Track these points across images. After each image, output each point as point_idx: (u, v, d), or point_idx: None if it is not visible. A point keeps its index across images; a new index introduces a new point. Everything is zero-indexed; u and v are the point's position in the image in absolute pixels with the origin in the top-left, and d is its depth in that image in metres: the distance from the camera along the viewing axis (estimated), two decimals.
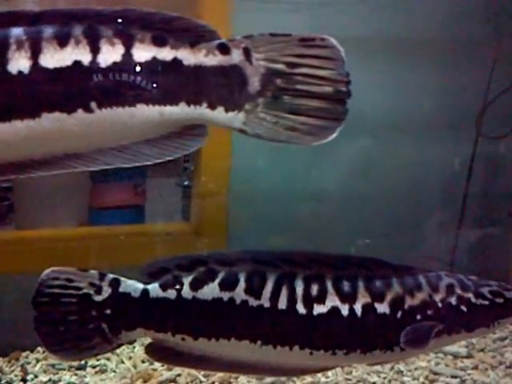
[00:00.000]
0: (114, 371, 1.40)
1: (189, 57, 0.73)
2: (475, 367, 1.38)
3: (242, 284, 0.97)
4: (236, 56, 0.73)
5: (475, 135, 1.60)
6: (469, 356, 1.43)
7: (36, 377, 1.39)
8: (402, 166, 1.57)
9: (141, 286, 0.99)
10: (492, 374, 1.34)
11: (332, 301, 0.96)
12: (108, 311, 0.98)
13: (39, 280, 0.96)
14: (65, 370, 1.41)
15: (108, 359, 1.45)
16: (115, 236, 1.52)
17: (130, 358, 1.45)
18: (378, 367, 1.39)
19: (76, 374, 1.39)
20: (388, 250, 1.67)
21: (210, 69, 0.73)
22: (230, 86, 0.73)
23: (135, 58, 0.71)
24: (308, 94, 0.75)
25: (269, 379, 1.35)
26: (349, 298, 0.98)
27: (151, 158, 0.75)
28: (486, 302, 1.05)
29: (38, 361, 1.44)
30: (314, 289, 0.97)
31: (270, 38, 0.75)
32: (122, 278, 1.00)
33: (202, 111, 0.73)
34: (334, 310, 0.96)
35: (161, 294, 0.98)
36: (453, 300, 1.03)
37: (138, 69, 0.71)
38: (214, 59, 0.73)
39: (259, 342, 0.97)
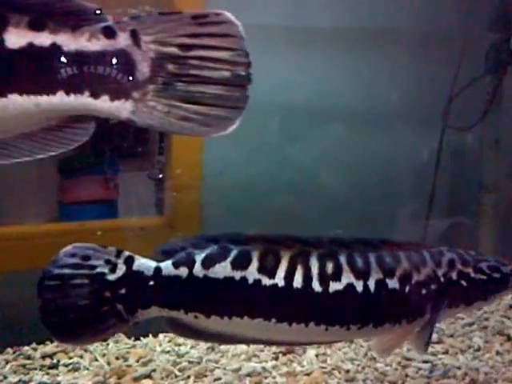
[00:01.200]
0: (88, 369, 1.36)
1: (69, 42, 0.66)
2: (445, 352, 1.40)
3: (254, 263, 0.96)
4: (122, 40, 0.66)
5: (442, 127, 1.62)
6: (439, 341, 1.45)
7: (5, 378, 1.33)
8: (371, 157, 1.58)
9: (154, 263, 0.97)
10: (461, 358, 1.37)
11: (347, 278, 0.98)
12: (123, 291, 0.95)
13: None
14: (36, 369, 1.36)
15: (81, 357, 1.40)
16: (88, 232, 1.48)
17: (104, 355, 1.41)
18: (352, 355, 1.40)
19: (48, 374, 1.34)
20: None
21: (93, 54, 0.66)
22: (116, 72, 0.66)
23: (8, 44, 0.64)
24: (203, 79, 0.67)
25: (245, 370, 1.34)
26: (363, 274, 0.99)
27: (32, 153, 0.68)
28: (485, 277, 1.10)
29: (7, 362, 1.38)
30: (329, 266, 0.98)
31: (160, 18, 0.67)
32: (136, 256, 0.98)
33: (85, 101, 0.66)
34: (350, 287, 0.98)
35: (173, 271, 0.96)
36: (454, 275, 1.07)
37: (10, 56, 0.63)
38: (98, 44, 0.66)
39: (274, 320, 0.97)
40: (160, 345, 1.44)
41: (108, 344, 1.46)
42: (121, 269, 0.95)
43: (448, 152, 1.66)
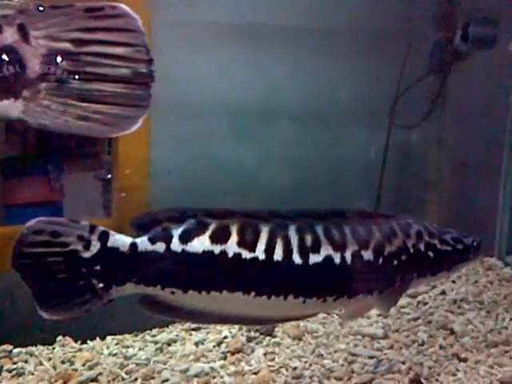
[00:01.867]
0: (32, 373, 1.32)
1: None
2: (391, 347, 1.41)
3: (234, 237, 0.95)
4: (9, 35, 0.61)
5: (388, 125, 1.63)
6: (385, 337, 1.46)
7: None
8: (319, 155, 1.58)
9: (129, 239, 0.95)
10: (406, 353, 1.38)
11: (326, 250, 0.98)
12: (98, 267, 0.93)
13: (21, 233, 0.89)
14: None
15: (26, 361, 1.36)
16: None
17: (50, 359, 1.37)
18: (300, 352, 1.40)
19: None
20: None
21: None
22: (3, 70, 0.61)
23: None
24: (100, 77, 0.63)
25: (193, 371, 1.32)
26: (340, 246, 1.00)
27: None
28: (449, 248, 1.14)
29: None
30: (308, 239, 0.98)
31: (51, 12, 0.62)
32: (111, 232, 0.95)
33: None
34: (328, 259, 0.98)
35: (150, 247, 0.94)
36: (422, 246, 1.10)
37: None
38: None
39: (253, 294, 0.96)
40: (107, 347, 1.41)
41: (54, 348, 1.42)
42: (95, 246, 0.93)
43: (394, 150, 1.69)
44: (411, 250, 1.08)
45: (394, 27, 1.61)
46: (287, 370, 1.32)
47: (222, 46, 1.53)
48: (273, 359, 1.36)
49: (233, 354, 1.36)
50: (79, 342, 1.43)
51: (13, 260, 0.91)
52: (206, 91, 1.47)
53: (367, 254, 1.02)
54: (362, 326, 1.55)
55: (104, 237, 0.94)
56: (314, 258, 0.97)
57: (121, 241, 0.94)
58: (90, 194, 1.59)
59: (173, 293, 0.96)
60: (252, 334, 1.48)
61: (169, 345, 1.41)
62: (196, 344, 1.41)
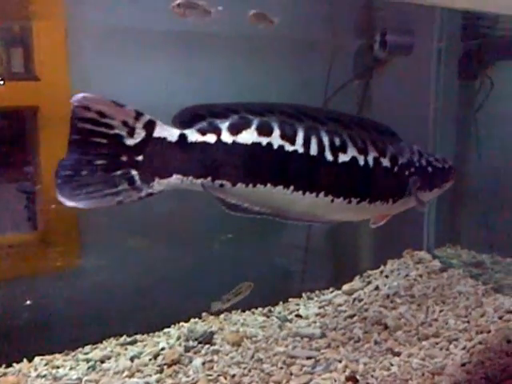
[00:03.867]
0: None
1: None
2: (328, 346, 1.39)
3: (276, 130, 0.97)
4: None
5: None
6: (322, 336, 1.44)
7: None
8: None
9: (177, 130, 0.91)
10: (342, 351, 1.36)
11: (352, 151, 1.04)
12: (140, 157, 0.87)
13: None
14: None
15: None
16: None
17: None
18: (239, 358, 1.35)
19: None
20: (249, 241, 1.66)
21: None
22: None
23: None
24: None
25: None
26: (363, 150, 1.06)
27: None
28: (440, 165, 1.25)
29: None
30: (337, 140, 1.03)
31: None
32: (158, 121, 0.89)
33: None
34: (354, 160, 1.04)
35: (200, 138, 0.91)
36: (423, 162, 1.20)
37: None
38: None
39: (291, 188, 0.98)
40: (35, 369, 1.29)
41: None
42: (139, 134, 0.87)
43: None
44: (417, 164, 1.17)
45: (319, 35, 1.62)
46: (226, 378, 1.27)
47: (150, 53, 1.47)
48: (211, 368, 1.31)
49: (170, 366, 1.29)
50: (3, 366, 1.30)
51: (70, 133, 0.85)
52: (134, 97, 1.40)
53: (385, 161, 1.10)
54: (301, 327, 1.53)
55: (150, 126, 0.88)
56: (343, 158, 1.03)
57: (168, 131, 0.90)
58: (13, 206, 1.47)
59: (222, 185, 0.94)
60: (190, 343, 1.41)
61: (102, 362, 1.31)
62: (131, 359, 1.32)
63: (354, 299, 1.69)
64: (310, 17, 1.43)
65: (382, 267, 1.88)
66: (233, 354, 1.36)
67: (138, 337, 1.45)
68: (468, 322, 1.51)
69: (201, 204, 1.63)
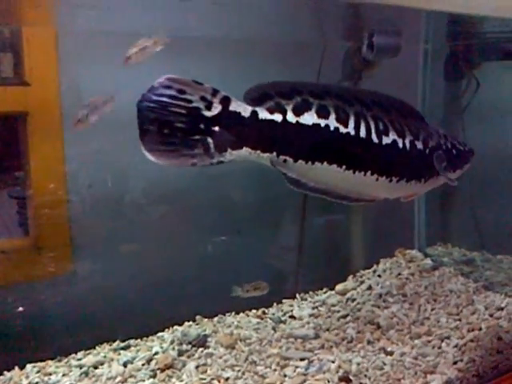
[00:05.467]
0: None
1: None
2: (321, 347, 1.37)
3: (332, 114, 1.06)
4: None
5: None
6: (316, 337, 1.42)
7: None
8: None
9: (249, 107, 0.99)
10: (336, 351, 1.34)
11: (393, 135, 1.14)
12: (216, 128, 0.95)
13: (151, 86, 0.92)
14: None
15: None
16: None
17: None
18: (233, 361, 1.32)
19: None
20: (242, 244, 1.64)
21: None
22: None
23: None
24: None
25: None
26: (401, 133, 1.16)
27: None
28: (462, 148, 1.35)
29: None
30: (380, 124, 1.13)
31: None
32: (233, 98, 0.97)
33: None
34: (394, 142, 1.14)
35: (268, 116, 1.00)
36: (449, 145, 1.30)
37: None
38: None
39: (344, 167, 1.08)
40: (27, 377, 1.26)
41: None
42: (216, 108, 0.95)
43: None
44: (444, 147, 1.27)
45: (309, 37, 1.60)
46: (219, 382, 1.24)
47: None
48: (205, 371, 1.28)
49: (163, 370, 1.26)
50: None
51: (139, 101, 0.93)
52: (124, 102, 1.37)
53: (419, 144, 1.19)
54: (295, 328, 1.51)
55: (225, 101, 0.96)
56: (386, 140, 1.12)
57: (242, 106, 0.98)
58: (4, 212, 1.44)
59: (285, 161, 1.03)
60: (184, 346, 1.39)
61: (95, 368, 1.28)
62: (124, 364, 1.29)
63: (348, 299, 1.67)
64: (301, 19, 1.41)
65: (374, 266, 1.87)
66: (226, 357, 1.33)
67: (132, 341, 1.42)
68: (459, 319, 1.50)
69: (193, 206, 1.62)
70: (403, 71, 1.73)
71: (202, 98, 0.94)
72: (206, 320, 1.55)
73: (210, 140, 0.95)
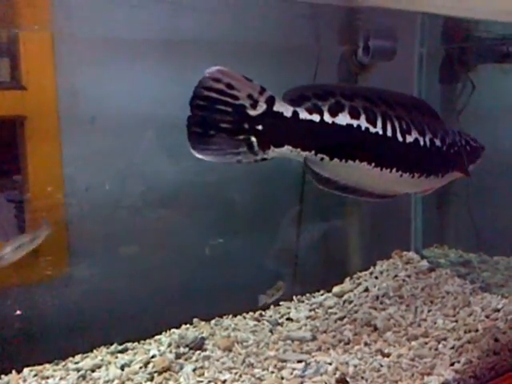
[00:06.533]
0: None
1: None
2: (318, 349, 1.37)
3: (363, 115, 1.11)
4: None
5: None
6: (313, 339, 1.42)
7: None
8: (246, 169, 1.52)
9: (291, 107, 1.03)
10: (333, 353, 1.34)
11: (415, 134, 1.20)
12: (260, 127, 0.99)
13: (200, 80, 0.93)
14: None
15: None
16: None
17: None
18: (231, 363, 1.32)
19: None
20: (239, 247, 1.64)
21: None
22: None
23: None
24: None
25: None
26: (422, 132, 1.22)
27: None
28: (474, 144, 1.42)
29: None
30: (403, 124, 1.18)
31: None
32: (277, 98, 1.00)
33: None
34: (416, 141, 1.20)
35: (308, 116, 1.04)
36: (463, 141, 1.37)
37: None
38: None
39: (373, 164, 1.13)
40: (24, 381, 1.24)
41: None
42: (261, 106, 0.98)
43: None
44: (459, 144, 1.33)
45: (305, 41, 1.60)
46: None
47: (138, 62, 1.44)
48: (202, 374, 1.27)
49: (160, 373, 1.25)
50: None
51: (191, 100, 0.95)
52: (121, 106, 1.37)
53: (437, 142, 1.25)
54: (292, 330, 1.50)
55: (271, 100, 0.99)
56: (409, 138, 1.17)
57: (285, 107, 1.01)
58: (2, 216, 1.43)
59: (322, 159, 1.07)
60: (181, 349, 1.38)
61: (93, 371, 1.27)
62: (122, 367, 1.28)
63: (344, 301, 1.67)
64: (296, 23, 1.41)
65: (371, 268, 1.87)
66: (224, 360, 1.32)
67: (129, 345, 1.41)
68: (456, 321, 1.49)
69: (190, 209, 1.61)
70: (399, 74, 1.73)
71: (249, 96, 0.97)
72: (203, 323, 1.54)
73: (253, 139, 0.98)
